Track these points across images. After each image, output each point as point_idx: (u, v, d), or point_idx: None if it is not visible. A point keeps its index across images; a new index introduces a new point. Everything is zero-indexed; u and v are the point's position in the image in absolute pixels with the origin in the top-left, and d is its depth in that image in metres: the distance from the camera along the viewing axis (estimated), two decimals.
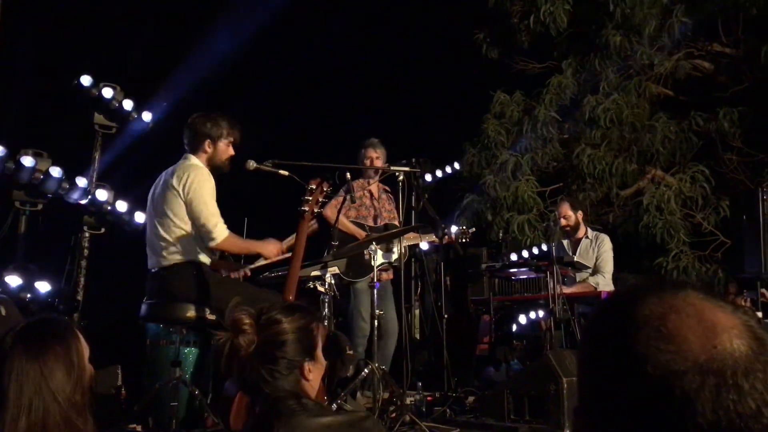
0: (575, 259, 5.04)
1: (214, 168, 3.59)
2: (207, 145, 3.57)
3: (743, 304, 5.49)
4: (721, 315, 0.68)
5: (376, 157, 4.85)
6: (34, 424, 1.49)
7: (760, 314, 5.11)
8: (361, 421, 1.69)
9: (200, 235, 3.42)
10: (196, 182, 3.41)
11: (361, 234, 4.62)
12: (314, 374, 1.78)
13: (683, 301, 0.69)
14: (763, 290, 4.73)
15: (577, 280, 5.08)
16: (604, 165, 7.10)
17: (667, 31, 7.10)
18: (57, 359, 1.55)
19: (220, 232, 3.40)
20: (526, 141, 7.35)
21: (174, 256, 3.42)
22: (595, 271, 5.10)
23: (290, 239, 3.80)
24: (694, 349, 0.65)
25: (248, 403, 2.04)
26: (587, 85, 7.37)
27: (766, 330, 0.68)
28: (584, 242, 5.23)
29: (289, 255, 3.40)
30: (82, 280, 4.71)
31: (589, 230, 5.31)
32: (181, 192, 3.40)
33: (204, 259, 3.49)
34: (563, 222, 5.22)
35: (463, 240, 4.82)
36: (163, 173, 3.61)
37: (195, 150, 3.58)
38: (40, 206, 4.52)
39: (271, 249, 3.55)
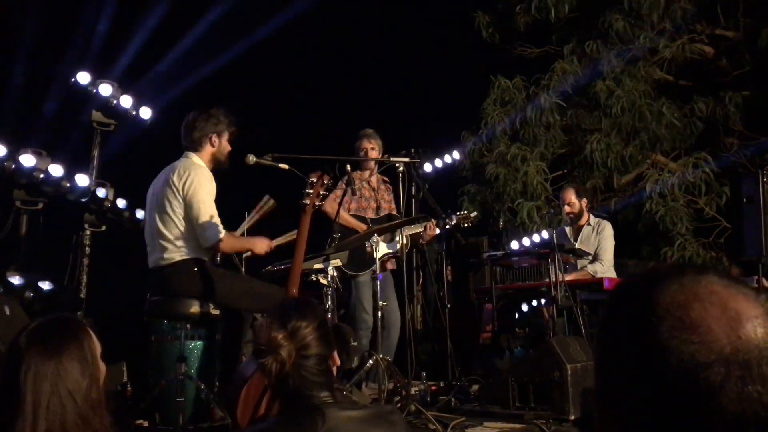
0: (577, 246, 5.05)
1: (218, 163, 3.61)
2: (212, 141, 3.59)
3: None
4: (744, 303, 0.66)
5: (371, 147, 4.81)
6: (52, 423, 1.49)
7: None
8: (389, 414, 1.75)
9: (198, 235, 3.43)
10: (196, 182, 3.41)
11: (362, 228, 4.59)
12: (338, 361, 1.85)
13: (705, 289, 0.67)
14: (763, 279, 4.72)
15: (578, 267, 5.09)
16: (616, 153, 7.06)
17: (670, 16, 7.05)
18: (72, 358, 1.56)
19: (216, 234, 3.41)
20: (530, 128, 7.30)
21: (176, 254, 3.43)
22: (594, 258, 5.10)
23: (283, 237, 3.84)
24: (719, 339, 0.63)
25: (258, 398, 2.05)
26: (588, 70, 7.33)
27: None
28: (586, 229, 5.23)
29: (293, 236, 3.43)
30: (85, 277, 4.71)
31: (591, 217, 5.31)
32: (180, 190, 3.41)
33: (205, 256, 3.50)
34: (567, 209, 5.22)
35: (466, 225, 4.79)
36: (164, 170, 3.61)
37: (197, 148, 3.59)
38: (40, 205, 4.51)
39: (261, 245, 3.64)
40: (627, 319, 0.69)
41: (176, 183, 3.42)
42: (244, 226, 4.06)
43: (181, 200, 3.41)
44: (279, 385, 1.73)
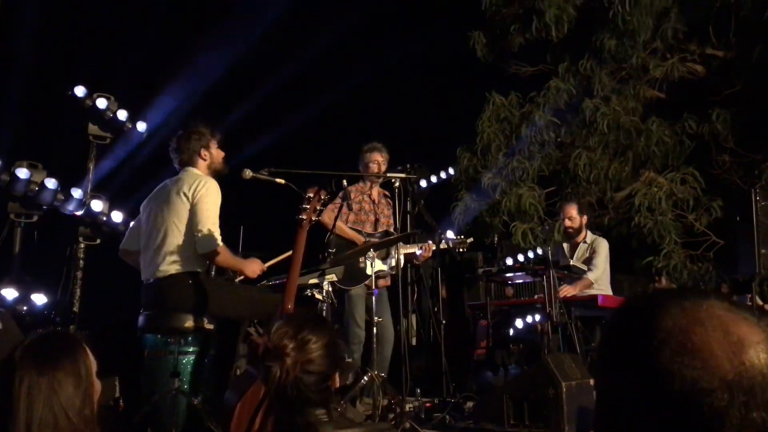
0: (572, 263, 5.05)
1: (217, 172, 3.62)
2: (203, 156, 3.60)
3: None
4: (746, 328, 0.66)
5: (382, 161, 4.77)
6: None
7: None
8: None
9: (196, 241, 3.41)
10: (206, 189, 3.42)
11: (359, 239, 4.57)
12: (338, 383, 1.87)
13: (707, 313, 0.67)
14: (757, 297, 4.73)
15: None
16: (600, 169, 7.13)
17: (661, 36, 7.15)
18: (67, 374, 1.55)
19: (214, 243, 3.40)
20: (525, 144, 7.36)
21: (171, 267, 3.41)
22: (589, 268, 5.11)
23: (276, 259, 3.84)
24: (722, 365, 0.63)
25: (252, 414, 2.04)
26: (581, 88, 7.40)
27: None
28: (582, 246, 5.25)
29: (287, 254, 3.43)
30: (78, 291, 4.69)
31: (589, 234, 5.32)
32: (190, 196, 3.40)
33: (199, 268, 3.49)
34: (567, 222, 5.23)
35: (460, 250, 4.81)
36: (165, 183, 3.61)
37: (192, 164, 3.59)
38: (35, 218, 4.50)
39: (253, 268, 3.60)
40: (629, 343, 0.69)
41: (186, 191, 3.42)
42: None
43: (188, 206, 3.41)
44: (277, 393, 1.73)
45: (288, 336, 1.73)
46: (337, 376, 1.82)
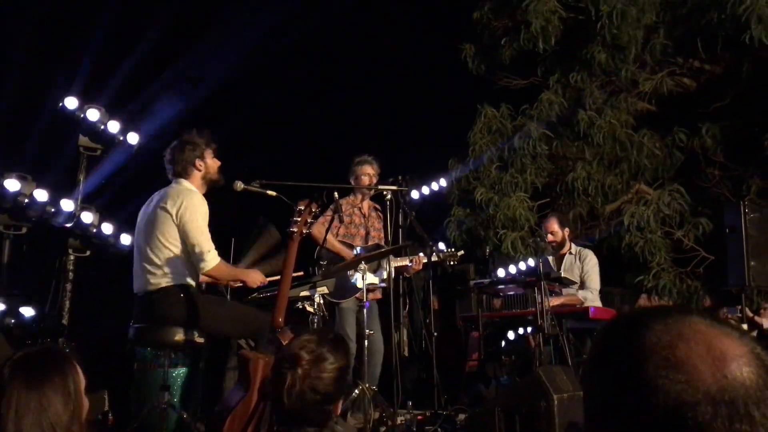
0: (563, 274, 5.07)
1: (211, 182, 3.61)
2: (197, 166, 3.59)
3: (727, 318, 5.54)
4: (728, 342, 0.67)
5: (373, 173, 4.79)
6: None
7: (745, 326, 5.17)
8: None
9: (194, 259, 3.41)
10: (191, 206, 3.41)
11: (348, 254, 4.55)
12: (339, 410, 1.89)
13: (690, 329, 0.68)
14: (748, 310, 4.76)
15: (564, 294, 5.11)
16: (597, 182, 7.16)
17: (650, 50, 7.21)
18: (56, 390, 1.55)
19: (212, 258, 3.39)
20: (517, 157, 7.38)
21: (162, 280, 3.40)
22: (582, 286, 5.13)
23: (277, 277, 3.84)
24: (705, 379, 0.64)
25: (242, 429, 2.05)
26: (572, 100, 7.45)
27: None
28: (568, 258, 5.27)
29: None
30: (67, 303, 4.66)
31: (573, 246, 5.35)
32: (174, 216, 3.40)
33: (191, 281, 3.48)
34: (550, 237, 5.26)
35: (451, 263, 4.81)
36: (155, 195, 3.60)
37: (185, 176, 3.58)
38: (24, 230, 4.48)
39: (254, 278, 3.61)
40: (614, 358, 0.71)
41: (170, 209, 3.41)
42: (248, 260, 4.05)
43: (174, 224, 3.40)
44: (277, 401, 1.74)
45: (307, 349, 1.75)
46: (340, 403, 1.84)
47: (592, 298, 5.04)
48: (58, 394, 1.55)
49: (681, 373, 0.65)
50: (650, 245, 6.72)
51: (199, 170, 3.60)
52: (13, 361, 1.59)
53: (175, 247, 3.41)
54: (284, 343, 2.63)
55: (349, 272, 4.37)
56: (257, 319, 3.42)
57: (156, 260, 3.41)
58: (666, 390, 0.64)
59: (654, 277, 6.73)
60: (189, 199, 3.44)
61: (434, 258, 4.59)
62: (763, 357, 0.67)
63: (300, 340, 1.78)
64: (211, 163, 3.63)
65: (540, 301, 4.38)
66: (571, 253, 5.27)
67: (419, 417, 4.28)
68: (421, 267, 4.64)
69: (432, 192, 7.48)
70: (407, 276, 4.79)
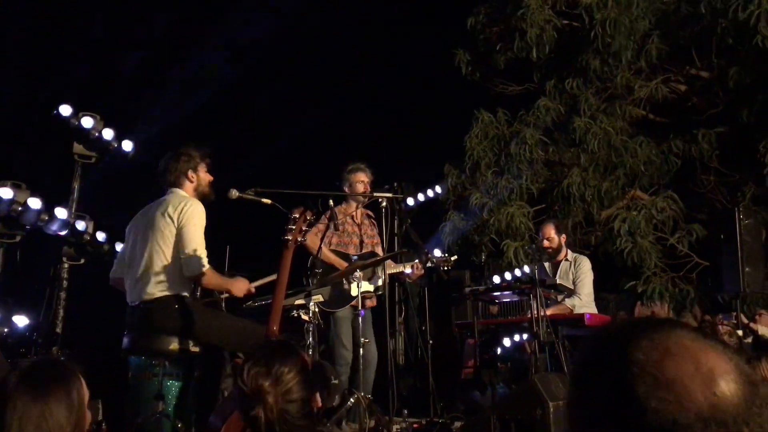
0: (558, 281, 5.06)
1: (202, 195, 3.60)
2: (189, 177, 3.58)
3: (722, 326, 5.54)
4: (715, 358, 0.67)
5: (367, 181, 4.76)
6: None
7: (740, 332, 5.17)
8: None
9: (183, 263, 3.39)
10: (191, 212, 3.41)
11: (342, 264, 4.53)
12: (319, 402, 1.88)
13: (676, 345, 0.68)
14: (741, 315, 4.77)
15: (554, 305, 5.10)
16: (593, 188, 7.16)
17: (645, 56, 7.24)
18: (59, 401, 1.57)
19: (200, 266, 3.38)
20: (514, 163, 7.38)
21: (157, 289, 3.38)
22: (572, 293, 5.12)
23: (262, 280, 3.82)
24: (696, 398, 0.64)
25: None
26: (567, 107, 7.46)
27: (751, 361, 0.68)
28: (563, 264, 5.26)
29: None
30: (61, 311, 4.63)
31: (569, 252, 5.34)
32: (175, 219, 3.39)
33: (185, 293, 3.46)
34: (546, 243, 5.25)
35: (446, 268, 4.80)
36: (151, 205, 3.59)
37: (178, 185, 3.58)
38: (18, 238, 4.46)
39: (240, 287, 3.58)
40: (602, 375, 0.70)
41: (172, 213, 3.40)
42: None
43: (174, 229, 3.39)
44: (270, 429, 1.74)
45: (262, 375, 1.73)
46: (317, 396, 1.82)
47: (581, 304, 5.02)
48: (61, 406, 1.57)
49: (672, 393, 0.65)
50: (639, 249, 6.72)
51: (191, 182, 3.60)
52: (19, 371, 1.61)
53: (172, 256, 3.40)
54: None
55: (345, 281, 4.36)
56: (251, 333, 3.40)
57: (154, 268, 3.39)
58: (657, 410, 0.64)
59: (645, 282, 6.73)
60: (190, 205, 3.45)
61: (429, 264, 4.58)
62: (747, 372, 0.67)
63: (250, 372, 1.74)
64: (203, 176, 3.64)
65: (536, 308, 4.38)
66: (567, 260, 5.27)
67: (415, 425, 4.27)
68: (421, 273, 4.62)
69: (427, 198, 7.48)
70: (407, 280, 4.78)
